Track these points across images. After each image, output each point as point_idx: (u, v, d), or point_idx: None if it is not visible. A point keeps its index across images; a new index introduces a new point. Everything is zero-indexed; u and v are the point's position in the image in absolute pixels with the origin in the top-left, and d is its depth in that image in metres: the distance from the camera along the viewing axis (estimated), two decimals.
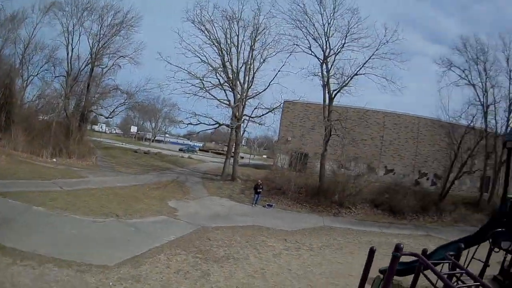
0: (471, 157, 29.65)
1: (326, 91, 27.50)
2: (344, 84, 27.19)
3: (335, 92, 27.50)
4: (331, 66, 27.68)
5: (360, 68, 27.14)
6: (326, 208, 24.24)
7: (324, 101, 27.68)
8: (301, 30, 27.64)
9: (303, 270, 11.70)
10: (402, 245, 5.68)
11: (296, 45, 27.80)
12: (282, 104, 30.55)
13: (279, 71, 28.39)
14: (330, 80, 27.60)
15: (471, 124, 30.53)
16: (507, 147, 10.25)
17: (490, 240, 8.91)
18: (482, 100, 31.17)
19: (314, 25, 27.43)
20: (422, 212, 26.42)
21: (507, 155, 10.61)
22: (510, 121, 31.22)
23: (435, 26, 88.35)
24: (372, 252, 6.85)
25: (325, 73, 27.46)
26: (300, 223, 19.66)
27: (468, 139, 29.93)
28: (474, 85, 31.65)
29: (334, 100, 27.74)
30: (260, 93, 29.65)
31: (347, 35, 26.92)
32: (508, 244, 9.23)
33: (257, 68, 29.54)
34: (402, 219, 25.08)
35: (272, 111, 29.55)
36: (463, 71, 32.05)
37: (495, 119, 31.66)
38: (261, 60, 29.39)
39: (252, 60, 29.44)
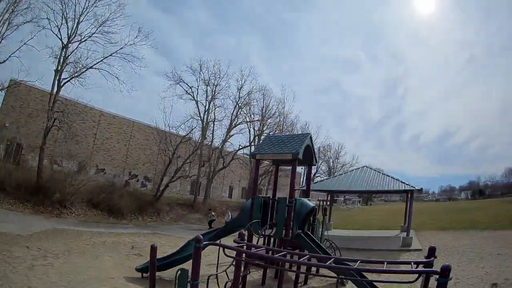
0: (189, 163, 33.18)
1: (57, 78, 24.57)
2: (76, 74, 25.19)
3: (66, 81, 24.97)
4: (71, 53, 25.27)
5: (98, 62, 26.01)
6: (48, 208, 21.91)
7: (53, 88, 24.63)
8: (61, 5, 24.30)
9: (66, 281, 10.21)
10: (201, 236, 6.13)
11: (48, 19, 24.03)
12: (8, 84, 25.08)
13: (25, 43, 23.22)
14: (67, 67, 25.03)
15: (189, 135, 34.27)
16: (256, 158, 12.49)
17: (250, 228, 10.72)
18: (203, 116, 35.75)
19: (75, 5, 24.76)
20: (140, 212, 27.46)
21: (255, 165, 12.95)
22: (228, 137, 37.41)
23: (167, 41, 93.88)
24: (153, 249, 7.78)
25: (62, 58, 24.66)
26: (30, 226, 16.95)
27: (182, 147, 33.27)
28: (197, 102, 36.08)
29: (62, 89, 25.07)
30: None
31: (101, 26, 25.54)
32: (270, 231, 11.33)
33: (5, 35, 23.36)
34: (122, 219, 25.34)
35: (2, 90, 24.43)
36: (190, 88, 36.04)
37: (213, 134, 37.29)
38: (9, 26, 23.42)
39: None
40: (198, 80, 36.61)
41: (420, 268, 5.43)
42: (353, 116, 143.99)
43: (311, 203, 12.60)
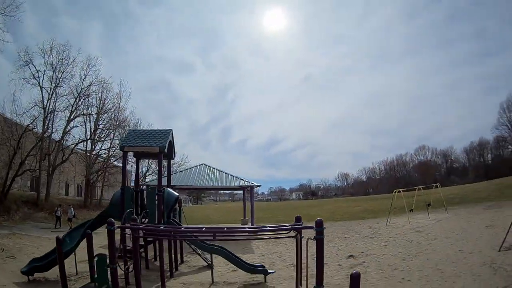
0: (34, 156, 30.11)
1: None
2: None
3: None
4: None
5: None
6: None
7: None
8: None
9: None
10: (113, 220, 6.56)
11: None
12: None
13: None
14: None
15: (33, 124, 31.38)
16: (124, 150, 12.61)
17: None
18: (46, 104, 32.40)
19: None
20: None
21: (123, 157, 13.06)
22: (69, 129, 34.31)
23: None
24: (59, 241, 8.07)
25: None
26: None
27: (27, 137, 30.36)
28: (42, 88, 33.05)
29: None
30: None
31: None
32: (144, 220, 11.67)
33: None
34: None
35: None
36: (38, 72, 32.98)
37: (52, 124, 34.36)
38: None
39: None
40: (46, 64, 33.82)
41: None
42: (181, 117, 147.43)
43: (175, 193, 13.60)
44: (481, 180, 66.53)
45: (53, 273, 10.25)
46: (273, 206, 70.98)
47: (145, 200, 12.62)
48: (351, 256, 13.39)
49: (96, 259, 6.67)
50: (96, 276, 6.57)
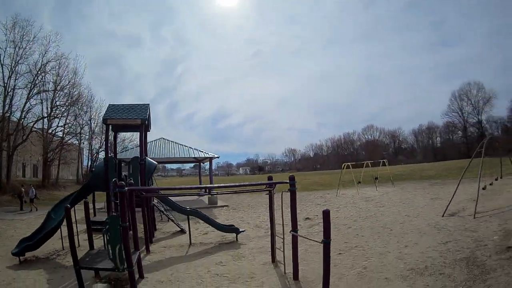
0: None
1: None
2: None
3: None
4: None
5: None
6: None
7: None
8: None
9: None
10: (123, 182, 7.47)
11: None
12: None
13: None
14: None
15: None
16: (107, 123, 13.35)
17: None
18: (6, 82, 31.93)
19: None
20: None
21: (105, 129, 13.78)
22: (29, 106, 33.79)
23: None
24: (68, 210, 7.81)
25: None
26: None
27: None
28: (2, 65, 32.89)
29: None
30: None
31: None
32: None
33: None
34: None
35: None
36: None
37: (11, 103, 33.91)
38: None
39: None
40: (8, 41, 33.19)
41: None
42: (128, 92, 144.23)
43: (154, 162, 14.61)
44: (429, 161, 70.96)
45: (41, 251, 10.72)
46: (223, 180, 72.06)
47: (127, 170, 13.53)
48: (307, 218, 15.10)
49: (108, 220, 6.67)
50: (108, 238, 6.49)
